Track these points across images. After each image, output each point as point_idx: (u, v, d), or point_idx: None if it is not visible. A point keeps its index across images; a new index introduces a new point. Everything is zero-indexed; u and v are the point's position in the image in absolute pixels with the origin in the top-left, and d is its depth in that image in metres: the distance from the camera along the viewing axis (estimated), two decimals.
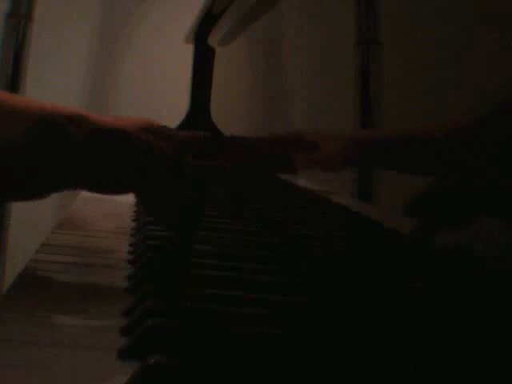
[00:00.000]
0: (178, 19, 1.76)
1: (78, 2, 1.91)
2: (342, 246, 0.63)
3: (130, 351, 0.32)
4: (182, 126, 1.40)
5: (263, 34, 1.34)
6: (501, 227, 0.49)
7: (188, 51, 1.44)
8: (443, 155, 0.59)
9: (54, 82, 1.85)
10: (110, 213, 0.50)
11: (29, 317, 0.37)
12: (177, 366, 0.28)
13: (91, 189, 0.48)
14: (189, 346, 0.32)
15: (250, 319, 0.36)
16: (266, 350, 0.32)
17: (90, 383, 0.29)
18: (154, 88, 1.94)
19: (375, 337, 0.35)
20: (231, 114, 1.49)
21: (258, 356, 0.32)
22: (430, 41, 0.62)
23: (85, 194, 0.68)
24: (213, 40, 1.39)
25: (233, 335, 0.32)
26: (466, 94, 0.53)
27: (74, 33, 1.90)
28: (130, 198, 0.81)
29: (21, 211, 1.39)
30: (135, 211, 0.70)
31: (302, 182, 1.14)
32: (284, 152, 0.85)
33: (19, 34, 1.35)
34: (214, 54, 1.41)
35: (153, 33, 1.96)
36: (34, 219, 1.76)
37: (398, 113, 0.73)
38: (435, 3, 0.61)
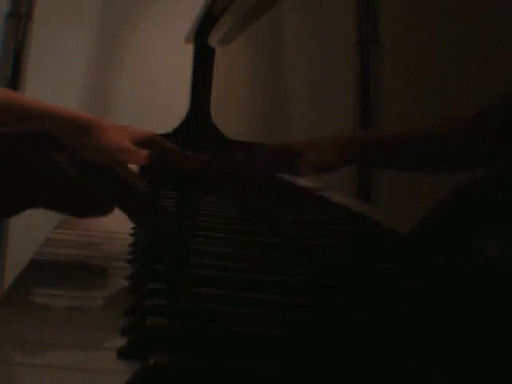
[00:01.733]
0: (177, 19, 1.76)
1: (77, 1, 1.91)
2: (342, 246, 0.63)
3: (130, 351, 0.32)
4: (181, 127, 1.40)
5: (263, 34, 1.34)
6: (501, 226, 0.49)
7: (188, 51, 1.44)
8: (443, 152, 0.59)
9: (54, 82, 1.85)
10: (110, 214, 0.50)
11: (28, 316, 0.37)
12: (177, 366, 0.28)
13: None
14: (189, 346, 0.32)
15: (249, 319, 0.36)
16: (265, 350, 0.32)
17: (90, 383, 0.29)
18: (153, 88, 1.93)
19: (375, 337, 0.35)
20: (231, 114, 1.49)
21: (258, 356, 0.32)
22: (430, 41, 0.62)
23: None
24: (213, 40, 1.39)
25: (233, 335, 0.32)
26: (467, 94, 0.53)
27: (74, 33, 1.90)
28: None
29: None
30: None
31: (302, 180, 1.13)
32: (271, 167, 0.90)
33: (19, 33, 1.35)
34: (214, 54, 1.41)
35: (153, 33, 1.96)
36: (34, 219, 1.76)
37: (398, 113, 0.73)
38: (435, 3, 0.61)
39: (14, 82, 1.34)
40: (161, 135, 1.37)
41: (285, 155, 0.94)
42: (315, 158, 0.85)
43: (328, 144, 0.84)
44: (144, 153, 0.95)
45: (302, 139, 0.92)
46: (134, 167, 1.06)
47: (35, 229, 1.70)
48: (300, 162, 0.88)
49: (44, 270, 0.46)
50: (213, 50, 1.41)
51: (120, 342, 0.33)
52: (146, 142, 0.99)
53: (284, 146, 0.96)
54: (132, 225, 0.64)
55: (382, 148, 0.72)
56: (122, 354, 0.32)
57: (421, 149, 0.62)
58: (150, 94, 1.93)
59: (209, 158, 1.03)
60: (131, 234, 0.60)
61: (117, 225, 0.63)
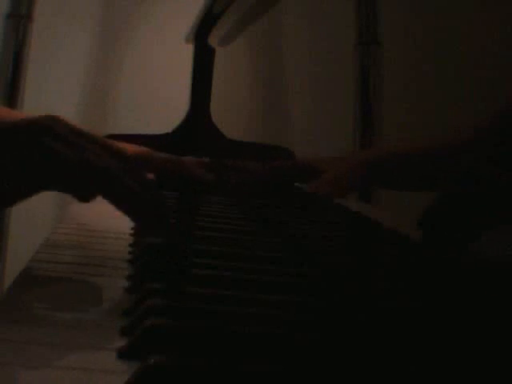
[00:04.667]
0: (178, 19, 1.76)
1: (77, 2, 1.91)
2: (342, 247, 0.63)
3: (130, 351, 0.32)
4: (181, 127, 1.40)
5: (263, 34, 1.34)
6: (501, 227, 0.49)
7: (188, 51, 1.44)
8: (454, 171, 0.59)
9: (54, 82, 1.85)
10: (110, 212, 0.50)
11: (28, 316, 0.37)
12: (177, 366, 0.28)
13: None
14: (189, 346, 0.32)
15: (250, 319, 0.36)
16: (266, 350, 0.32)
17: (90, 383, 0.29)
18: (153, 88, 1.93)
19: (375, 337, 0.35)
20: (231, 114, 1.49)
21: (258, 356, 0.32)
22: (429, 41, 0.62)
23: None
24: (213, 40, 1.39)
25: (233, 335, 0.32)
26: (465, 94, 0.53)
27: (74, 33, 1.90)
28: None
29: (21, 211, 1.39)
30: None
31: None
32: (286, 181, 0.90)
33: (19, 34, 1.35)
34: (214, 54, 1.41)
35: (153, 33, 1.96)
36: (34, 219, 1.77)
37: (397, 113, 0.73)
38: (435, 3, 0.62)
39: (14, 82, 1.34)
40: (160, 135, 1.37)
41: (306, 171, 0.93)
42: (336, 178, 0.85)
43: (348, 164, 0.84)
44: None
45: (324, 157, 0.91)
46: None
47: (35, 228, 1.70)
48: (321, 180, 0.87)
49: (43, 271, 0.46)
50: (213, 50, 1.41)
51: (120, 342, 0.33)
52: (139, 159, 0.98)
53: (306, 162, 0.95)
54: (132, 224, 0.64)
55: (397, 169, 0.72)
56: (122, 354, 0.32)
57: (440, 166, 0.62)
58: (150, 94, 1.93)
59: (208, 173, 1.02)
60: (131, 234, 0.60)
61: (117, 225, 0.63)
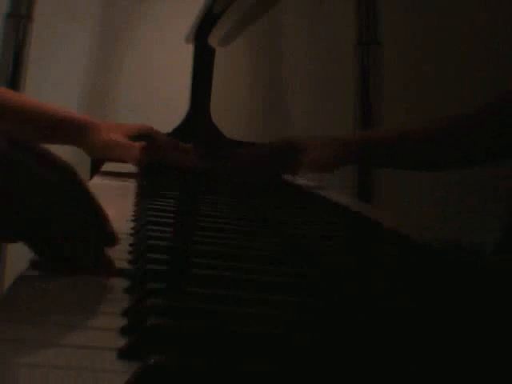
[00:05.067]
0: (178, 19, 1.76)
1: (77, 2, 1.91)
2: (342, 247, 0.63)
3: (130, 351, 0.32)
4: (181, 127, 1.40)
5: (263, 34, 1.34)
6: (501, 226, 0.49)
7: (188, 51, 1.44)
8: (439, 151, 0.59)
9: (54, 82, 1.85)
10: (110, 213, 0.50)
11: (28, 316, 0.37)
12: (177, 366, 0.28)
13: None
14: (189, 346, 0.32)
15: (249, 319, 0.36)
16: (265, 350, 0.32)
17: (90, 383, 0.29)
18: (153, 88, 1.93)
19: (375, 337, 0.35)
20: (231, 114, 1.49)
21: (258, 356, 0.32)
22: (429, 41, 0.62)
23: None
24: (213, 40, 1.39)
25: (232, 335, 0.32)
26: (465, 94, 0.53)
27: (74, 33, 1.90)
28: (129, 197, 0.81)
29: None
30: (134, 211, 0.70)
31: (302, 180, 1.14)
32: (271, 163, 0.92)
33: (19, 34, 1.35)
34: (214, 54, 1.41)
35: (153, 33, 1.96)
36: None
37: (397, 113, 0.73)
38: (436, 3, 0.62)
39: (14, 81, 1.34)
40: None
41: (285, 152, 0.95)
42: (315, 156, 0.86)
43: (329, 143, 0.85)
44: (138, 146, 0.98)
45: (303, 137, 0.92)
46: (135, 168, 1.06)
47: None
48: (300, 159, 0.89)
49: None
50: (213, 50, 1.41)
51: (120, 342, 0.33)
52: (143, 135, 1.02)
53: (284, 143, 0.96)
54: (132, 225, 0.64)
55: (381, 148, 0.72)
56: (122, 354, 0.32)
57: (420, 148, 0.62)
58: (150, 94, 1.93)
59: (203, 160, 1.05)
60: (131, 234, 0.60)
61: (117, 225, 0.63)
